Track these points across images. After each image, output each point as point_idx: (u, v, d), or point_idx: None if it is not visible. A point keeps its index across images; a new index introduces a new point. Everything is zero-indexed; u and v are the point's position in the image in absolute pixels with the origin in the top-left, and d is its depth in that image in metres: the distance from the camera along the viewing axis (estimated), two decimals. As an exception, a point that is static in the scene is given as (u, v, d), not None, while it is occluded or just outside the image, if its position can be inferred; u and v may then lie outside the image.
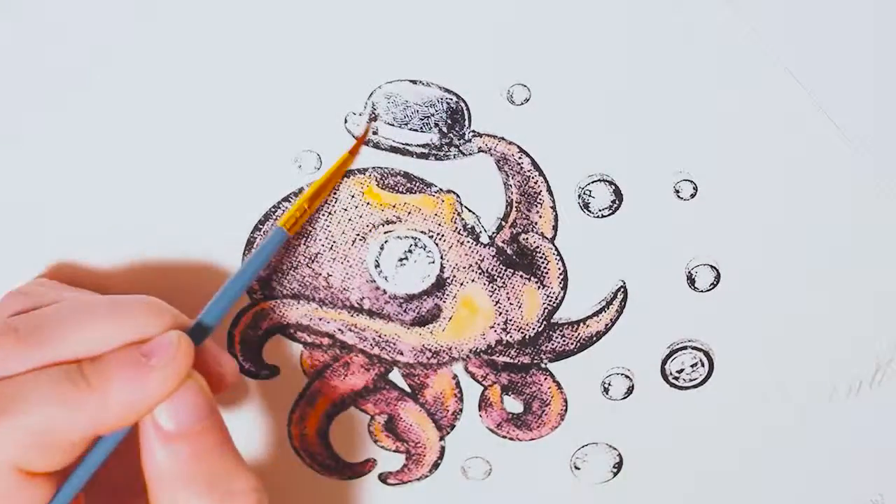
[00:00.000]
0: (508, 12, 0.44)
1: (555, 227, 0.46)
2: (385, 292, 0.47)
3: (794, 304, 0.47)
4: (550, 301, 0.47)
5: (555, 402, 0.48)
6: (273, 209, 0.46)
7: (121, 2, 0.44)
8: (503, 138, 0.45)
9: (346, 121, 0.45)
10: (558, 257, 0.46)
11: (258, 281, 0.46)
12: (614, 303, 0.47)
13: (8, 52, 0.44)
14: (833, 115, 0.45)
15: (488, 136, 0.45)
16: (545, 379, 0.48)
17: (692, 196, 0.46)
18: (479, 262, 0.46)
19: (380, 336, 0.47)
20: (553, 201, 0.46)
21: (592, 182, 0.46)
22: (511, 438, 0.49)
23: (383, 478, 0.49)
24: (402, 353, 0.47)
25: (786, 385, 0.48)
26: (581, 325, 0.47)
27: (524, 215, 0.46)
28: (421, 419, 0.48)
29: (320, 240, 0.46)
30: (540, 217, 0.46)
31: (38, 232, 0.46)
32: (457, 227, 0.46)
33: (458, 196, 0.46)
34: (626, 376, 0.48)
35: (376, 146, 0.45)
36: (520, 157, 0.45)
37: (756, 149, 0.46)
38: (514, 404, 0.48)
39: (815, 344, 0.48)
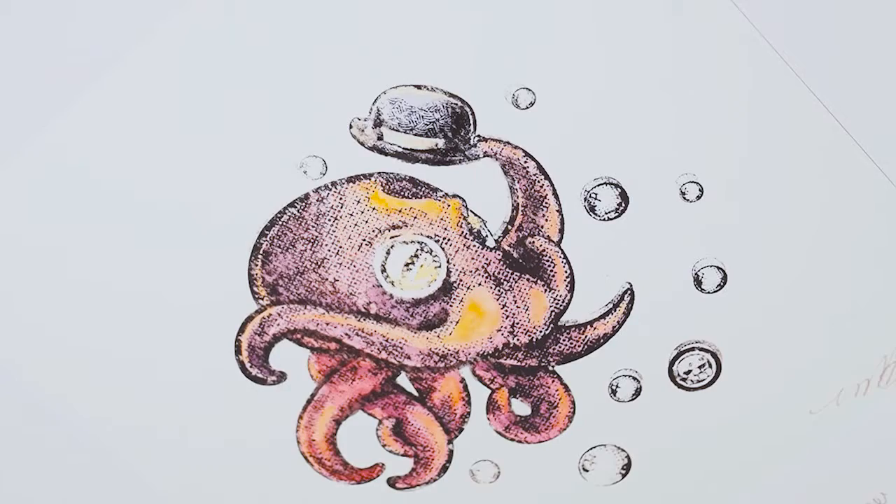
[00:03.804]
0: (512, 16, 0.44)
1: (561, 231, 0.46)
2: (392, 297, 0.47)
3: (801, 305, 0.47)
4: (557, 304, 0.47)
5: (563, 404, 0.48)
6: (279, 214, 0.46)
7: (127, 8, 0.44)
8: (508, 142, 0.45)
9: (350, 126, 0.45)
10: (565, 260, 0.46)
11: (265, 287, 0.46)
12: (621, 305, 0.47)
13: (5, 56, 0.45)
14: (838, 115, 0.45)
15: (493, 140, 0.45)
16: (553, 381, 0.48)
17: (698, 198, 0.46)
18: (485, 265, 0.46)
19: (387, 340, 0.47)
20: (559, 205, 0.46)
21: (598, 185, 0.46)
22: (519, 441, 0.49)
23: (392, 482, 0.49)
24: (409, 357, 0.47)
25: (793, 386, 0.48)
26: (588, 327, 0.47)
27: (530, 219, 0.46)
28: (429, 423, 0.48)
29: (327, 245, 0.46)
30: (546, 220, 0.46)
31: (45, 236, 0.46)
32: (463, 232, 0.46)
33: (463, 200, 0.46)
34: (634, 378, 0.48)
35: (381, 151, 0.45)
36: (525, 161, 0.45)
37: (761, 150, 0.46)
38: (521, 407, 0.48)
39: (823, 344, 0.48)
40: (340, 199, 0.46)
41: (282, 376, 0.47)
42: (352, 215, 0.46)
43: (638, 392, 0.48)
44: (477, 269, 0.47)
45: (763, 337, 0.48)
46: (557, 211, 0.46)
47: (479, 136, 0.45)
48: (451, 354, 0.47)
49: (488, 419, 0.48)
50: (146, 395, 0.47)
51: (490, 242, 0.46)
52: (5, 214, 0.46)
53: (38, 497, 0.48)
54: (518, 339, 0.47)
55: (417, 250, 0.46)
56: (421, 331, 0.47)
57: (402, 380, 0.48)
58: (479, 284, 0.47)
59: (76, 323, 0.46)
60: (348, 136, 0.45)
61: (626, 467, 0.49)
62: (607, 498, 0.50)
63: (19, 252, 0.46)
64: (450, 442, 0.49)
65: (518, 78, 0.45)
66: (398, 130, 0.45)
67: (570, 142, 0.45)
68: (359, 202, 0.46)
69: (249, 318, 0.47)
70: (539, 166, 0.45)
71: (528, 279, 0.47)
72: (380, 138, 0.45)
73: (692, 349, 0.48)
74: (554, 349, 0.47)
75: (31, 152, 0.45)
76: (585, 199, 0.46)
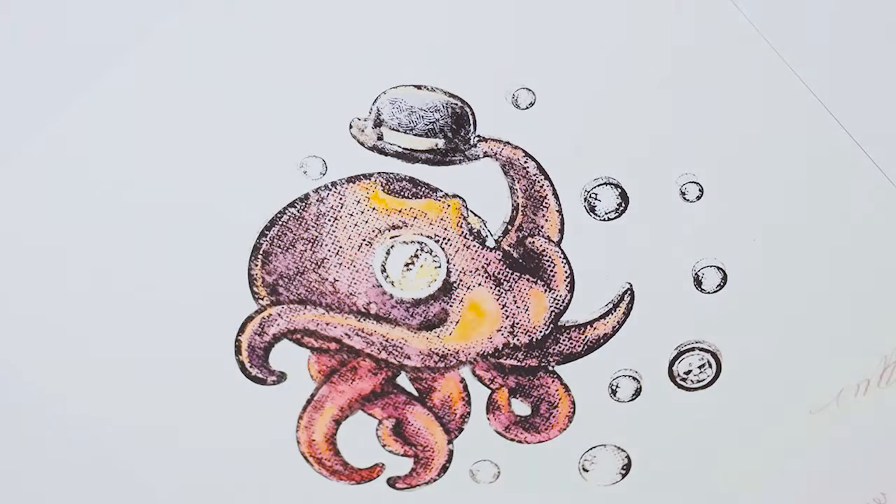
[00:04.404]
0: (512, 16, 0.44)
1: (561, 231, 0.46)
2: (392, 297, 0.47)
3: (800, 305, 0.47)
4: (557, 304, 0.47)
5: (563, 404, 0.48)
6: (279, 214, 0.46)
7: (126, 8, 0.44)
8: (508, 142, 0.45)
9: (350, 126, 0.45)
10: (565, 260, 0.46)
11: (265, 287, 0.46)
12: (621, 305, 0.47)
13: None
14: (838, 114, 0.45)
15: (493, 140, 0.45)
16: (553, 381, 0.48)
17: (698, 198, 0.46)
18: (485, 265, 0.46)
19: (387, 340, 0.47)
20: (559, 205, 0.46)
21: (598, 185, 0.46)
22: (519, 441, 0.49)
23: (392, 482, 0.49)
24: (409, 358, 0.47)
25: (793, 386, 0.48)
26: (588, 327, 0.47)
27: (530, 219, 0.46)
28: (429, 423, 0.48)
29: (327, 245, 0.46)
30: (546, 221, 0.46)
31: (45, 236, 0.46)
32: (463, 232, 0.46)
33: (463, 200, 0.46)
34: (634, 378, 0.48)
35: (381, 151, 0.45)
36: (525, 161, 0.45)
37: (761, 149, 0.46)
38: (521, 407, 0.48)
39: (823, 344, 0.48)
40: (340, 199, 0.46)
41: (282, 376, 0.47)
42: (352, 215, 0.46)
43: (638, 392, 0.48)
44: (477, 269, 0.47)
45: (763, 337, 0.48)
46: (557, 211, 0.46)
47: (479, 136, 0.45)
48: (451, 354, 0.47)
49: (488, 419, 0.48)
50: (146, 396, 0.47)
51: (490, 242, 0.46)
52: (4, 214, 0.46)
53: (38, 497, 0.48)
54: (518, 340, 0.47)
55: (417, 250, 0.46)
56: (421, 331, 0.47)
57: (402, 380, 0.48)
58: (479, 284, 0.47)
59: (76, 323, 0.46)
60: (348, 136, 0.45)
61: (626, 467, 0.49)
62: (607, 498, 0.50)
63: (19, 252, 0.46)
64: (450, 442, 0.49)
65: (518, 78, 0.45)
66: (398, 130, 0.45)
67: (570, 142, 0.45)
68: (359, 202, 0.46)
69: (249, 319, 0.47)
70: (539, 166, 0.45)
71: (528, 279, 0.47)
72: (380, 138, 0.45)
73: (692, 349, 0.48)
74: (554, 349, 0.47)
75: (30, 153, 0.45)
76: (585, 199, 0.46)
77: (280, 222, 0.46)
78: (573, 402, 0.48)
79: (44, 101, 0.45)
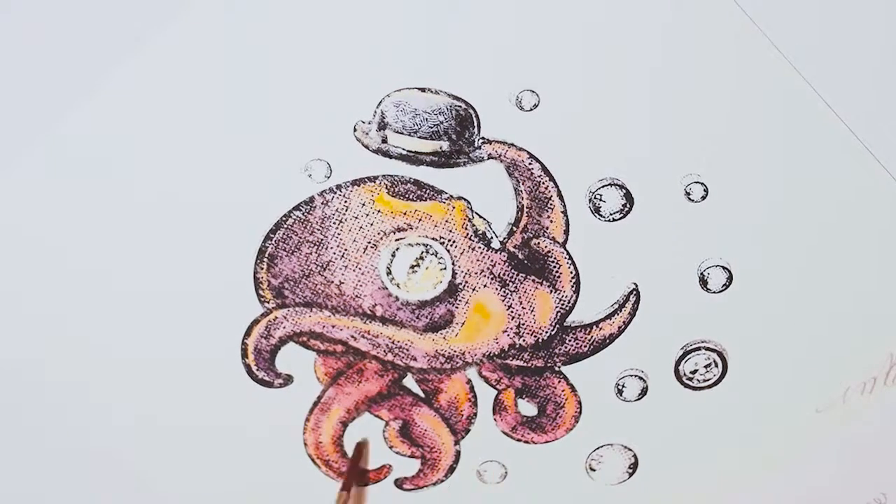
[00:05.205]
0: (515, 19, 0.44)
1: (566, 232, 0.46)
2: (397, 299, 0.47)
3: (806, 304, 0.47)
4: (563, 305, 0.47)
5: (569, 404, 0.48)
6: (284, 218, 0.46)
7: (131, 12, 0.44)
8: (513, 144, 0.45)
9: (355, 129, 0.45)
10: (570, 261, 0.46)
11: (270, 290, 0.46)
12: (627, 305, 0.47)
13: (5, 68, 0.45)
14: (842, 114, 0.45)
15: (498, 142, 0.45)
16: (559, 382, 0.48)
17: (703, 198, 0.46)
18: (490, 267, 0.46)
19: (393, 342, 0.47)
20: (564, 206, 0.46)
21: (603, 186, 0.46)
22: (526, 441, 0.49)
23: (399, 483, 0.49)
24: (415, 359, 0.47)
25: (799, 384, 0.48)
26: (594, 327, 0.47)
27: (535, 220, 0.46)
28: (435, 424, 0.48)
29: (332, 248, 0.46)
30: (551, 222, 0.46)
31: (51, 238, 0.46)
32: (468, 234, 0.46)
33: (468, 202, 0.46)
34: (640, 378, 0.48)
35: (386, 154, 0.45)
36: (530, 163, 0.45)
37: (765, 149, 0.45)
38: (528, 407, 0.48)
39: (829, 342, 0.48)
40: (345, 201, 0.46)
41: (288, 379, 0.47)
42: (357, 218, 0.46)
43: (644, 392, 0.48)
44: (482, 271, 0.47)
45: (769, 336, 0.47)
46: (562, 212, 0.46)
47: (483, 138, 0.45)
48: (458, 356, 0.47)
49: (495, 420, 0.48)
50: (152, 399, 0.47)
51: (495, 244, 0.46)
52: (11, 215, 0.46)
53: (44, 497, 0.49)
54: (524, 340, 0.47)
55: (423, 252, 0.46)
56: (427, 332, 0.47)
57: (409, 381, 0.48)
58: (485, 286, 0.47)
59: (80, 326, 0.47)
60: (352, 139, 0.45)
61: (633, 466, 0.49)
62: (614, 497, 0.50)
63: (28, 255, 0.46)
64: (456, 443, 0.49)
65: (522, 80, 0.45)
66: (402, 133, 0.45)
67: (575, 143, 0.45)
68: (363, 205, 0.46)
69: (255, 322, 0.47)
70: (544, 168, 0.45)
71: (533, 280, 0.47)
72: (384, 141, 0.45)
73: (698, 349, 0.48)
74: (560, 350, 0.47)
75: (35, 155, 0.45)
76: (590, 200, 0.46)
77: (285, 225, 0.46)
78: (579, 402, 0.48)
79: (48, 102, 0.45)
